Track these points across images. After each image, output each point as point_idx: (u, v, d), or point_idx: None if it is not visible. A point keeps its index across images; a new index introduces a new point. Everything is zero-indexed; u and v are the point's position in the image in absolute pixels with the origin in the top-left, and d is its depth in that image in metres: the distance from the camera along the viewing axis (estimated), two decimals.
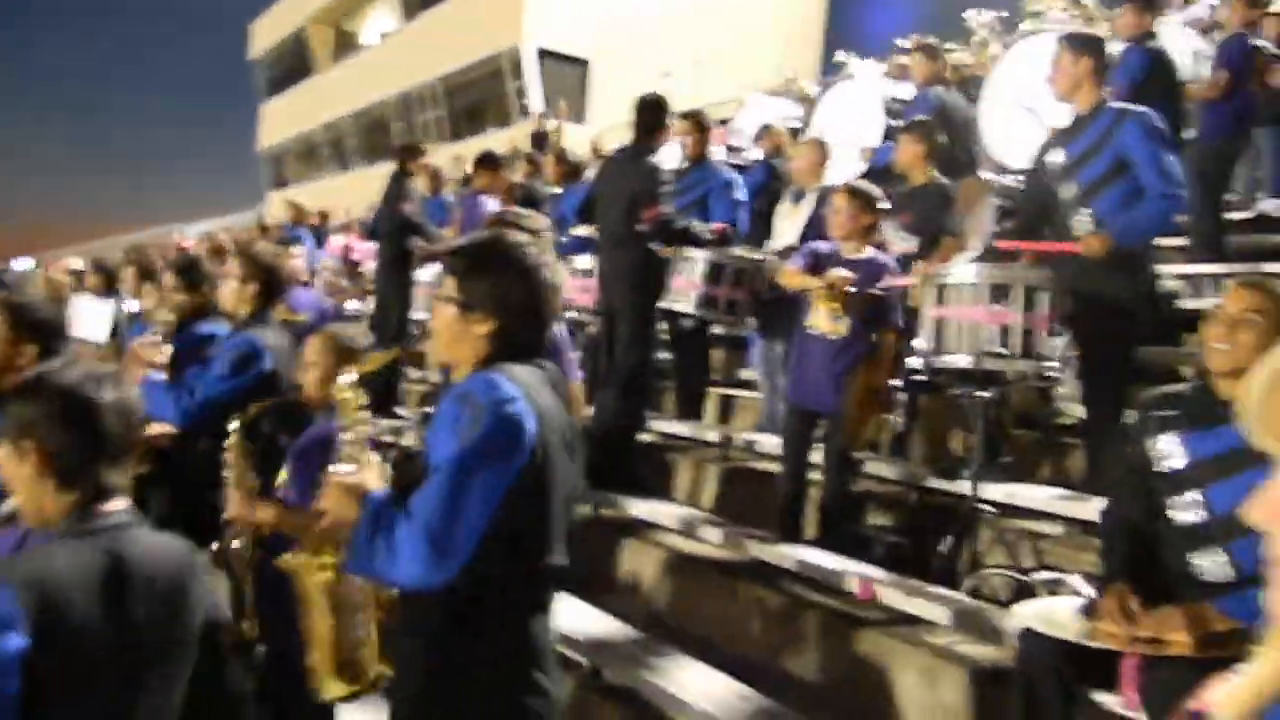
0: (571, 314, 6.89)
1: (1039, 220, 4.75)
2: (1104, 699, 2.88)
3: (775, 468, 5.17)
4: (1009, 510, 4.59)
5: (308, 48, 38.22)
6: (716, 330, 7.23)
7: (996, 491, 4.57)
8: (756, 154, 9.10)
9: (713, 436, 6.48)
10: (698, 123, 6.85)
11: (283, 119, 39.35)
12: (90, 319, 6.83)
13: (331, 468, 2.26)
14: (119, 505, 2.05)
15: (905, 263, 5.18)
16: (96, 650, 1.88)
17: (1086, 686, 2.88)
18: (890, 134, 7.51)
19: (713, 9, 28.32)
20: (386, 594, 2.60)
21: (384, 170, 8.91)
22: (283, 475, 3.32)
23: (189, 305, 4.57)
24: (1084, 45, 4.59)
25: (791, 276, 4.94)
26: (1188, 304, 6.49)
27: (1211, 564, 2.79)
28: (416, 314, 8.52)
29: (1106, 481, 3.61)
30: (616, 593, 5.13)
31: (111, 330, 6.91)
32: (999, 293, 4.26)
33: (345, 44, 37.84)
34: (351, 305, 9.85)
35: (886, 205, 5.23)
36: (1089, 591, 3.36)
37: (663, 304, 5.94)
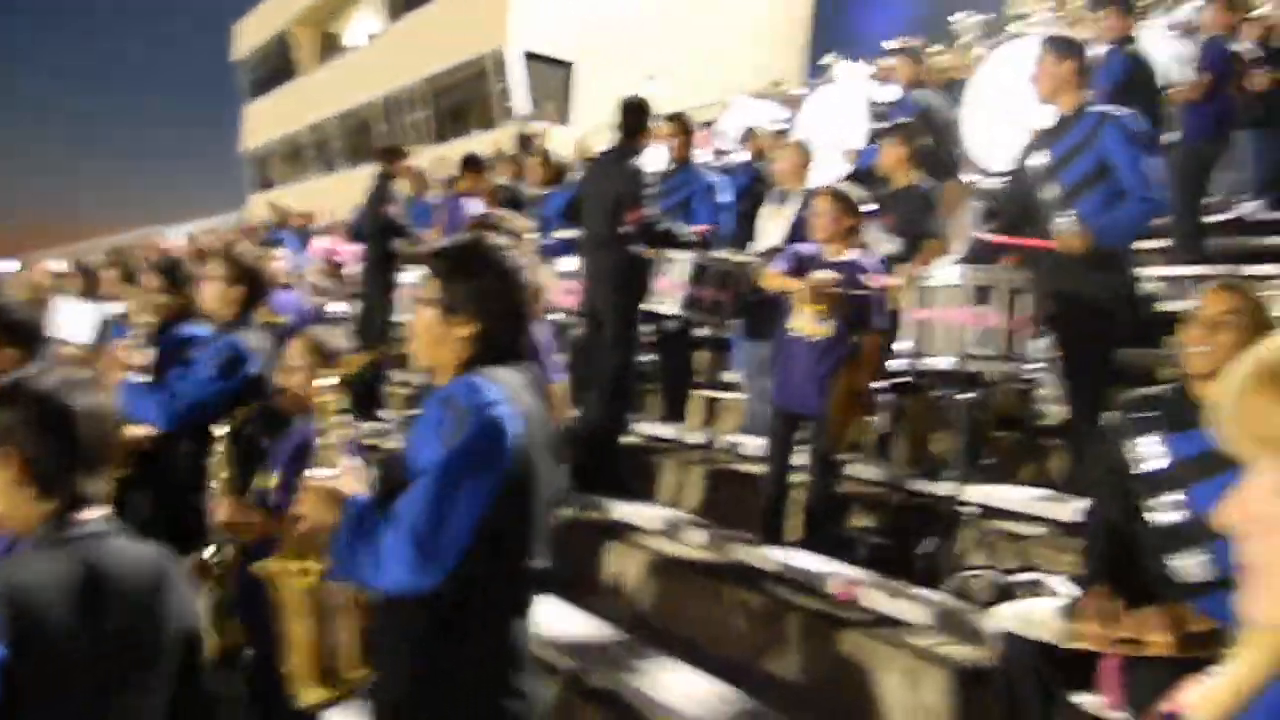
0: (555, 316, 6.89)
1: (1021, 221, 4.76)
2: (1085, 700, 2.89)
3: (759, 470, 5.18)
4: (991, 511, 4.61)
5: (292, 49, 38.08)
6: (701, 332, 7.24)
7: (978, 493, 4.59)
8: (741, 156, 9.12)
9: (696, 439, 6.49)
10: (682, 125, 6.87)
11: (267, 120, 39.19)
12: (73, 320, 6.79)
13: (309, 471, 2.26)
14: (96, 514, 2.03)
15: (888, 265, 5.20)
16: (71, 659, 1.87)
17: (1067, 687, 2.89)
18: (874, 137, 7.53)
19: (698, 11, 28.33)
20: (366, 598, 2.59)
21: (368, 172, 8.89)
22: (273, 480, 3.31)
23: (170, 307, 4.55)
24: (1067, 48, 4.62)
25: (774, 279, 4.95)
26: (1168, 306, 6.52)
27: (1192, 565, 2.80)
28: (400, 316, 8.50)
29: (1087, 482, 3.63)
30: (600, 595, 5.12)
31: (95, 332, 6.88)
32: (981, 295, 4.28)
33: (329, 45, 37.71)
34: (335, 307, 9.82)
35: (870, 208, 5.24)
36: (1069, 592, 3.38)
37: (647, 306, 5.94)
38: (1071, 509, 4.10)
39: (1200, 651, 2.57)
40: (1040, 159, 4.60)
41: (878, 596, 4.07)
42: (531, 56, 28.06)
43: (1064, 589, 3.56)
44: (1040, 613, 2.95)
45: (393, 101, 32.56)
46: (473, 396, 2.17)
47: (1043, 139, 4.69)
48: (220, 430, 3.38)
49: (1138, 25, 7.19)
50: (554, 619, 4.35)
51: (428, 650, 2.21)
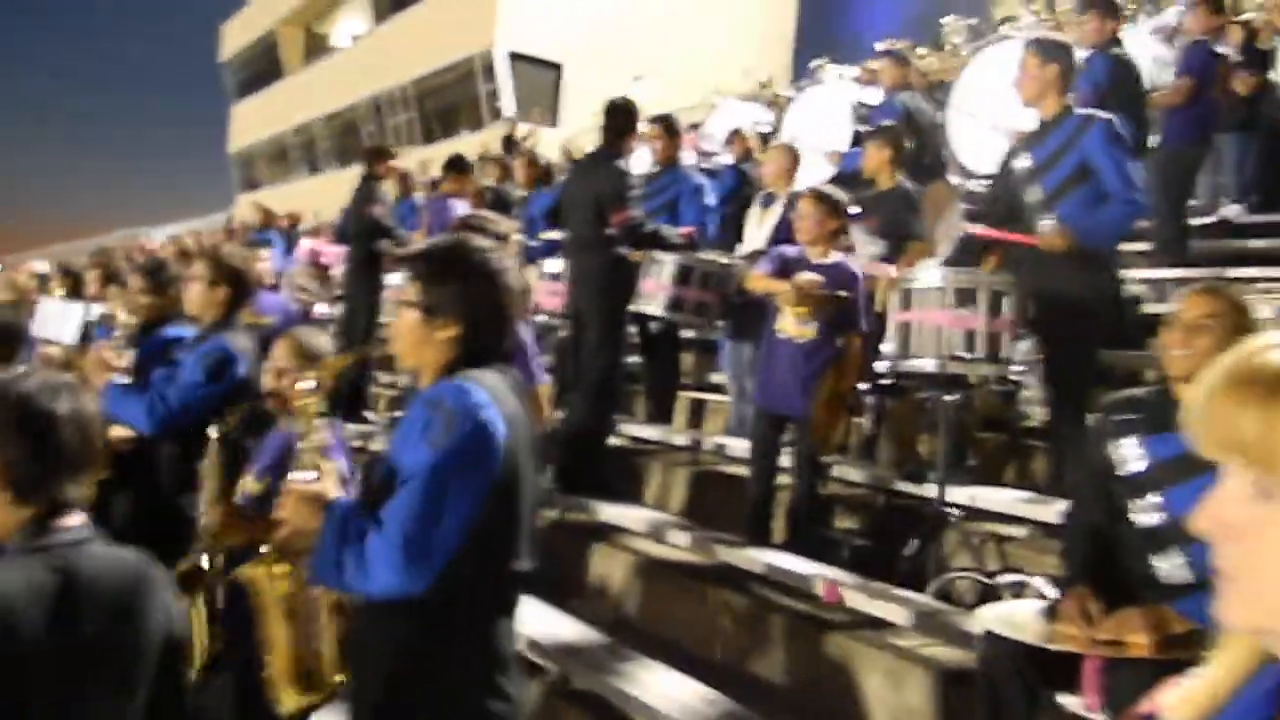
0: (541, 318, 6.89)
1: (1006, 223, 4.78)
2: (1067, 701, 2.90)
3: (745, 471, 5.18)
4: (974, 513, 4.62)
5: (278, 50, 37.98)
6: (687, 334, 7.25)
7: (962, 494, 4.60)
8: (726, 158, 9.13)
9: (682, 440, 6.49)
10: (668, 127, 6.87)
11: (253, 121, 39.09)
12: (58, 320, 6.75)
13: (291, 475, 2.25)
14: (75, 520, 2.00)
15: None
16: (43, 668, 1.85)
17: (1049, 688, 2.90)
18: (858, 139, 7.55)
19: (686, 12, 28.36)
20: (347, 601, 2.58)
21: (355, 173, 8.87)
22: (255, 485, 3.29)
23: (154, 308, 4.53)
24: (1052, 51, 4.62)
25: (759, 281, 4.95)
26: (1152, 308, 6.55)
27: (1171, 566, 2.82)
28: (386, 318, 8.48)
29: (1069, 484, 3.64)
30: (585, 597, 5.12)
31: (80, 333, 6.84)
32: (964, 297, 4.30)
33: (316, 46, 37.62)
34: (320, 309, 9.79)
35: (855, 210, 5.26)
36: (1054, 594, 3.39)
37: (632, 307, 5.94)
38: (1055, 511, 4.12)
39: (1181, 653, 2.58)
40: (1023, 161, 4.62)
41: (861, 598, 4.07)
42: (520, 58, 28.05)
43: (1049, 590, 3.57)
44: (1023, 614, 2.96)
45: (379, 103, 32.50)
46: (461, 399, 2.16)
47: (1026, 142, 4.70)
48: (213, 433, 3.35)
49: (1122, 29, 7.20)
50: (538, 621, 4.34)
51: (413, 653, 2.21)
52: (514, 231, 4.29)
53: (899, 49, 8.73)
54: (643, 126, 6.25)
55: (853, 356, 4.81)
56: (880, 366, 4.84)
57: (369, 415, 8.14)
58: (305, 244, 12.01)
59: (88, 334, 6.66)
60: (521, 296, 2.42)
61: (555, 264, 6.82)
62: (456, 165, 8.66)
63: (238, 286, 4.18)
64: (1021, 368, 4.45)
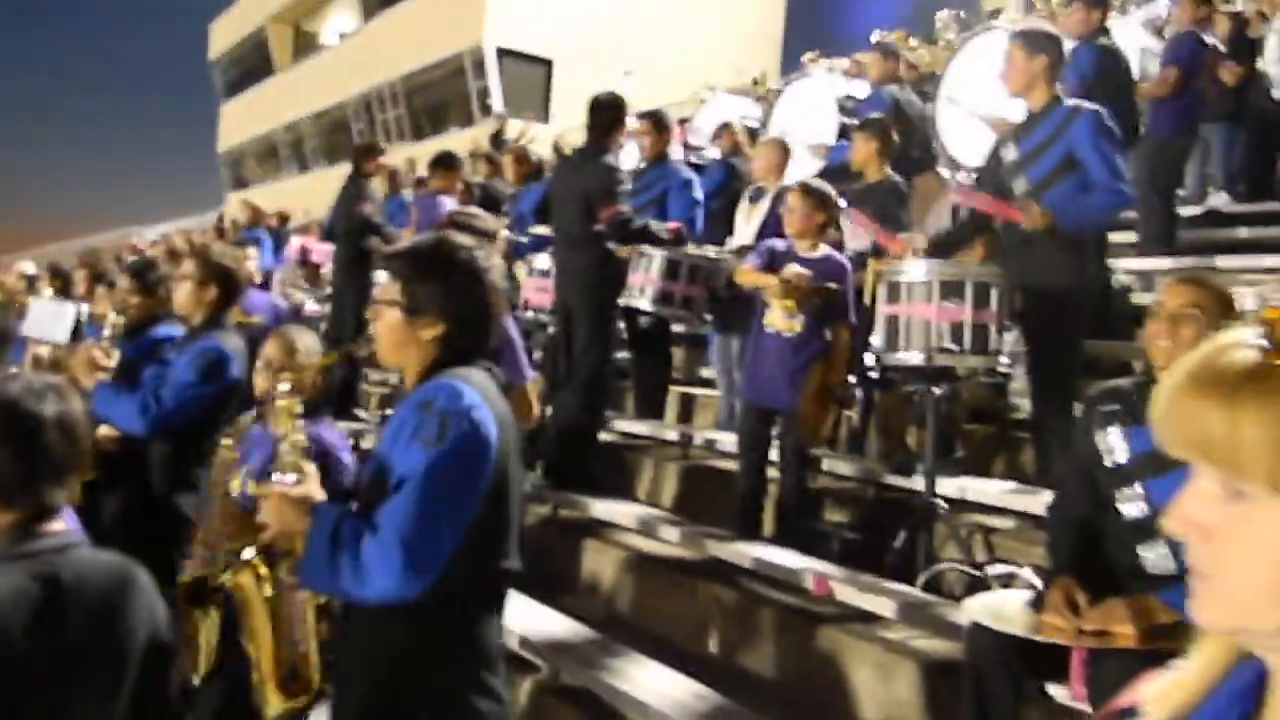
0: (530, 314, 6.88)
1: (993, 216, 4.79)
2: (1053, 691, 2.91)
3: (735, 465, 5.18)
4: (963, 505, 4.63)
5: (267, 48, 37.86)
6: (677, 329, 7.24)
7: (951, 486, 4.61)
8: (715, 153, 9.12)
9: (673, 435, 6.49)
10: (657, 122, 6.85)
11: (243, 120, 38.96)
12: (51, 320, 6.74)
13: (274, 478, 2.24)
14: (60, 525, 1.99)
15: (860, 260, 5.21)
16: (29, 673, 1.84)
17: (1035, 679, 2.91)
18: (846, 132, 7.54)
19: (676, 8, 28.32)
20: (329, 604, 2.57)
21: (345, 171, 8.84)
22: (237, 484, 3.28)
23: (143, 308, 4.51)
24: (1039, 43, 4.61)
25: (747, 274, 4.95)
26: (1140, 299, 6.56)
27: (1157, 556, 2.82)
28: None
29: (1055, 475, 3.65)
30: (575, 593, 5.12)
31: (72, 333, 6.83)
32: (950, 289, 4.30)
33: (305, 44, 37.51)
34: (310, 307, 9.78)
35: (843, 203, 5.25)
36: (1041, 584, 3.39)
37: (623, 301, 5.94)
38: (1043, 502, 4.10)
39: (1166, 643, 2.58)
40: (1010, 153, 4.62)
41: (850, 591, 4.08)
42: (509, 54, 28.00)
43: (1038, 581, 3.58)
44: (1008, 606, 2.96)
45: (369, 100, 32.42)
46: (453, 400, 2.16)
47: (1014, 133, 4.70)
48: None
49: (1109, 20, 7.20)
50: (529, 617, 4.34)
51: (409, 656, 2.20)
52: (501, 228, 4.29)
53: (886, 42, 8.72)
54: (632, 122, 6.24)
55: (841, 349, 4.82)
56: (868, 359, 4.84)
57: (360, 413, 8.13)
58: (295, 242, 11.99)
59: (79, 334, 6.65)
60: (503, 296, 2.41)
61: (544, 260, 6.80)
62: (444, 162, 8.63)
63: (227, 286, 4.17)
64: (1009, 360, 4.45)
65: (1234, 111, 8.57)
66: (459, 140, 20.04)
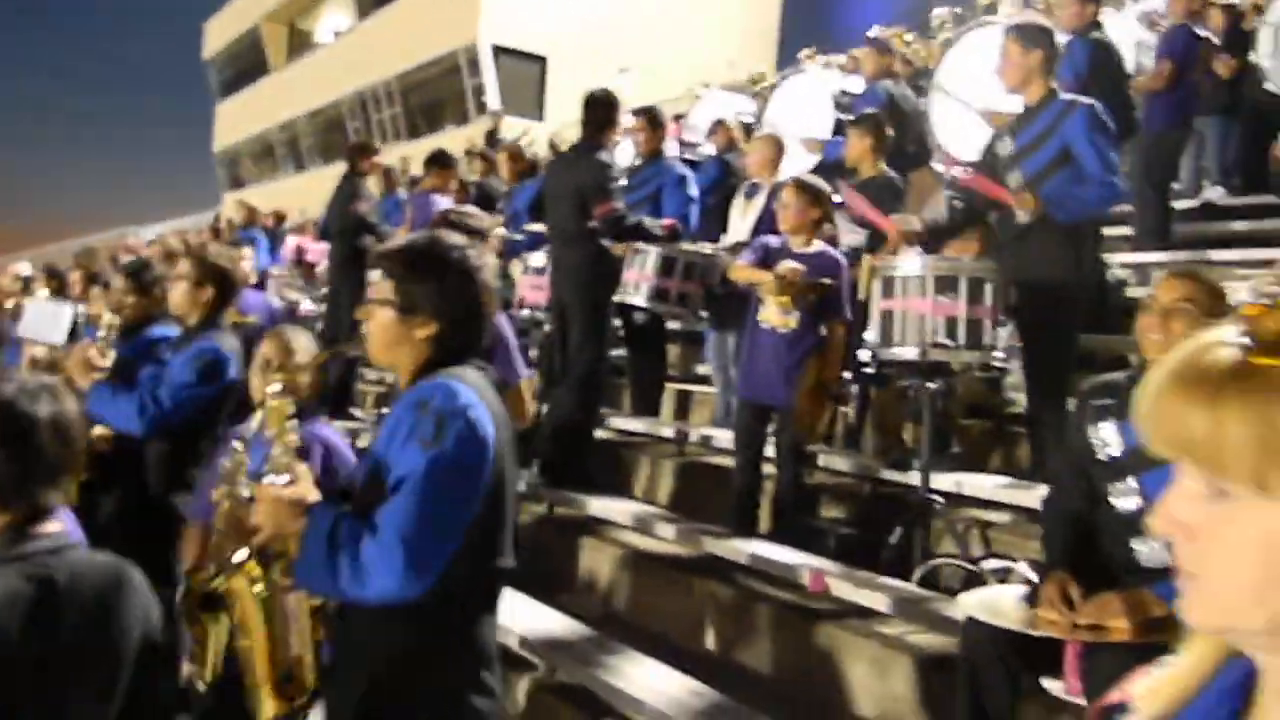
0: (525, 312, 6.88)
1: (986, 208, 4.79)
2: (1048, 685, 2.91)
3: (732, 462, 5.18)
4: (959, 499, 4.63)
5: (262, 46, 37.80)
6: (673, 326, 7.24)
7: (947, 481, 4.61)
8: (710, 149, 9.12)
9: (668, 432, 6.49)
10: (651, 119, 6.85)
11: (238, 119, 38.88)
12: (49, 321, 6.73)
13: (265, 480, 2.23)
14: (54, 526, 1.98)
15: (855, 255, 5.22)
16: (21, 674, 1.84)
17: (1031, 673, 2.91)
18: (841, 128, 7.54)
19: (670, 7, 28.27)
20: (323, 605, 2.55)
21: (341, 170, 8.84)
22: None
23: (139, 308, 4.51)
24: (1034, 37, 4.61)
25: (741, 270, 4.95)
26: (1135, 292, 6.57)
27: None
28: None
29: (1050, 470, 3.65)
30: (572, 591, 5.12)
31: (69, 334, 6.82)
32: (945, 284, 4.30)
33: (300, 43, 37.44)
34: (306, 306, 9.78)
35: (837, 199, 5.25)
36: (1037, 578, 3.40)
37: (615, 297, 5.94)
38: (1038, 496, 4.11)
39: (1161, 636, 2.58)
40: (1006, 147, 4.63)
41: (846, 587, 4.08)
42: (504, 51, 27.96)
43: (1034, 575, 3.58)
44: (1003, 600, 2.97)
45: (364, 98, 32.38)
46: (450, 400, 2.15)
47: (1010, 126, 4.71)
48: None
49: (1104, 12, 7.20)
50: (525, 616, 4.34)
51: (409, 656, 2.20)
52: (495, 226, 4.28)
53: (881, 37, 8.71)
54: (627, 119, 6.24)
55: (836, 345, 4.82)
56: (863, 355, 4.84)
57: (356, 412, 8.12)
58: (290, 241, 11.99)
59: (76, 335, 6.65)
60: (495, 294, 2.41)
61: (540, 258, 6.80)
62: (439, 160, 8.63)
63: (223, 286, 4.17)
64: (1004, 354, 4.45)
65: (1228, 104, 8.56)
66: (455, 138, 20.02)
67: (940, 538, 4.48)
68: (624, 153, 7.37)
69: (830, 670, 3.88)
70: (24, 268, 10.93)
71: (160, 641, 2.16)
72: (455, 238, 2.43)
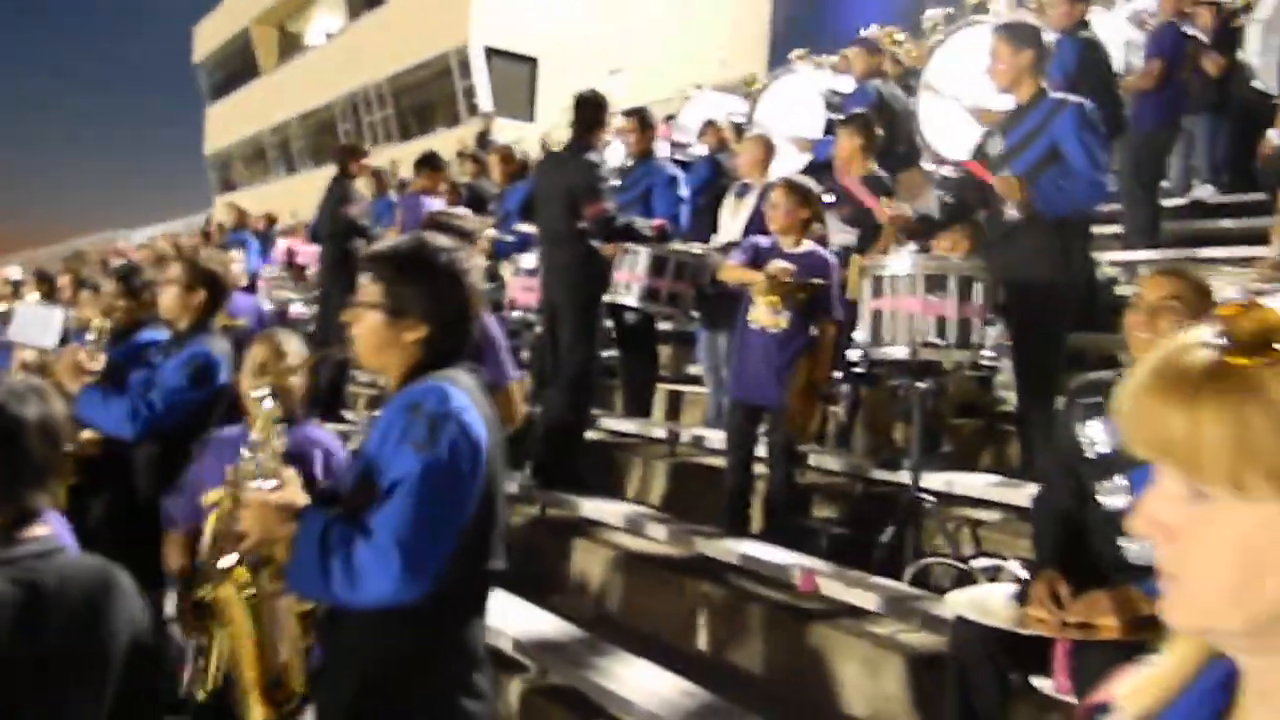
0: (516, 313, 6.87)
1: (977, 205, 4.80)
2: (1038, 683, 2.92)
3: (723, 462, 5.19)
4: (950, 498, 4.63)
5: (252, 49, 37.72)
6: (664, 326, 7.24)
7: (937, 480, 4.62)
8: (700, 149, 9.12)
9: (660, 433, 6.49)
10: (642, 120, 6.85)
11: (229, 122, 38.80)
12: (39, 325, 6.70)
13: (254, 484, 2.22)
14: (42, 530, 1.98)
15: (845, 255, 5.22)
16: (9, 678, 1.83)
17: (1020, 671, 2.92)
18: (831, 127, 7.54)
19: (661, 8, 28.28)
20: (311, 610, 2.55)
21: (332, 172, 8.81)
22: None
23: (129, 312, 4.50)
24: (1023, 37, 4.63)
25: (732, 270, 4.96)
26: (1125, 291, 6.58)
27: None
28: None
29: (1040, 468, 3.66)
30: (563, 592, 5.12)
31: (60, 337, 6.80)
32: (934, 283, 4.31)
33: (290, 45, 37.37)
34: (297, 309, 9.76)
35: (829, 199, 5.26)
36: (1027, 576, 3.40)
37: (606, 297, 5.94)
38: (1029, 494, 4.12)
39: (1149, 634, 2.59)
40: (997, 145, 4.64)
41: (838, 587, 4.08)
42: (495, 53, 27.94)
43: (1024, 574, 3.58)
44: (993, 599, 2.97)
45: (355, 101, 32.33)
46: (442, 403, 2.15)
47: (1000, 126, 4.72)
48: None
49: (1094, 11, 7.22)
50: (517, 617, 4.34)
51: (403, 659, 2.20)
52: (484, 228, 4.28)
53: (871, 37, 8.72)
54: (617, 120, 6.24)
55: (826, 345, 4.82)
56: (853, 354, 4.85)
57: (347, 415, 8.11)
58: (281, 244, 11.97)
59: (67, 339, 6.63)
60: (483, 297, 2.41)
61: (530, 259, 6.80)
62: (429, 162, 8.62)
63: (214, 290, 4.17)
64: (994, 353, 4.46)
65: (1217, 103, 8.59)
66: (446, 140, 20.00)
67: (931, 537, 4.49)
68: (614, 153, 7.38)
69: (822, 670, 3.88)
70: (14, 271, 10.90)
71: (149, 645, 2.16)
72: (443, 240, 2.42)
